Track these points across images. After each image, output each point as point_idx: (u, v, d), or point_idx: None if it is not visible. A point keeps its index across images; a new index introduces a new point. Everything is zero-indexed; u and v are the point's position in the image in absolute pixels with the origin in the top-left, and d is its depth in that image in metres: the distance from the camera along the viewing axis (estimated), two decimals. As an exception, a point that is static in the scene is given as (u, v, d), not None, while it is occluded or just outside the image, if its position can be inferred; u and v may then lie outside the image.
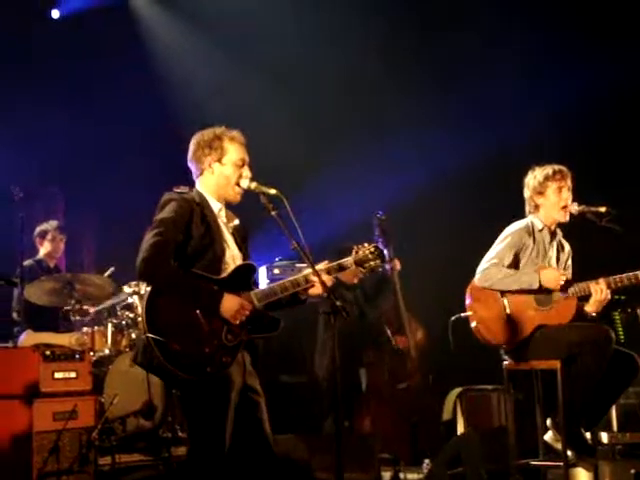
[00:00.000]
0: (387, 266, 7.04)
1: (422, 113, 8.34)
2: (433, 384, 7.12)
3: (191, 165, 4.24)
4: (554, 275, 5.19)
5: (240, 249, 4.20)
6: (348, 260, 4.21)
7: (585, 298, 5.21)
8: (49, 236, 7.35)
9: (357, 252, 4.24)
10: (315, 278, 4.07)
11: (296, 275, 4.16)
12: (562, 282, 5.18)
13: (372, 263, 4.24)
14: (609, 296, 5.13)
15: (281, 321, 4.09)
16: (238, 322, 3.92)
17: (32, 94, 8.23)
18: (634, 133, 8.00)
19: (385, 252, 7.02)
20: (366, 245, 4.27)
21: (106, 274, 6.79)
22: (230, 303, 3.91)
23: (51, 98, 8.27)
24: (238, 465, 3.97)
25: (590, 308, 5.19)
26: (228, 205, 4.26)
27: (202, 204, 4.10)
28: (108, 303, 6.80)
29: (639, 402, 6.75)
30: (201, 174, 4.20)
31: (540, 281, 5.17)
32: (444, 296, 6.79)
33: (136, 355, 3.99)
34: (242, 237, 4.26)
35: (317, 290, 4.13)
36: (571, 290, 5.21)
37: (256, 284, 4.21)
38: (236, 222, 4.26)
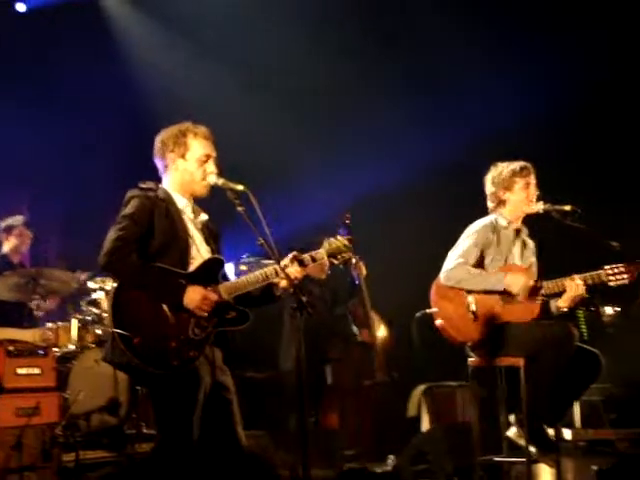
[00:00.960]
0: (354, 272, 7.05)
1: (392, 112, 8.38)
2: (398, 380, 7.15)
3: (156, 162, 4.25)
4: (521, 282, 5.20)
5: (209, 244, 4.19)
6: (320, 252, 4.22)
7: (554, 295, 5.26)
8: (16, 231, 7.28)
9: (330, 244, 4.25)
10: (286, 271, 4.06)
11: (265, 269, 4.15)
12: (528, 287, 5.20)
13: (345, 255, 4.25)
14: (584, 292, 5.18)
15: (250, 314, 4.08)
16: (203, 314, 3.91)
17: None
18: (599, 132, 8.09)
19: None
20: (339, 237, 4.27)
21: (81, 277, 6.72)
22: (193, 294, 3.91)
23: (16, 93, 8.17)
24: (207, 462, 3.97)
25: (563, 304, 5.21)
26: (197, 201, 4.25)
27: (167, 200, 4.10)
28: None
29: (602, 399, 6.83)
30: (166, 170, 4.21)
31: (505, 285, 5.21)
32: (410, 293, 6.82)
33: (105, 353, 3.98)
34: (212, 233, 4.26)
35: (285, 284, 4.13)
36: (544, 286, 5.24)
37: (225, 278, 4.19)
38: (204, 217, 4.25)
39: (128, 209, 4.03)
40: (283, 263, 4.11)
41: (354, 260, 4.34)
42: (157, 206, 4.05)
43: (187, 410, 3.86)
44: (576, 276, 5.16)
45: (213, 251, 4.19)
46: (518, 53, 8.20)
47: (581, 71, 7.86)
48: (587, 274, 5.17)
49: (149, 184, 4.16)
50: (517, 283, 5.19)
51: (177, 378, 3.86)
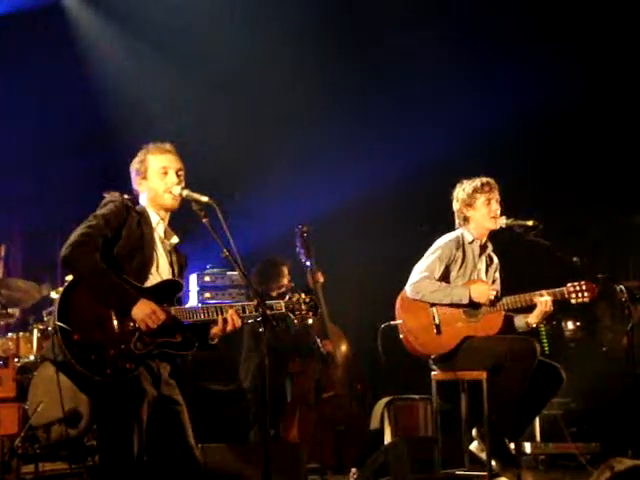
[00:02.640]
0: (309, 278, 7.06)
1: (354, 124, 8.40)
2: (361, 393, 7.15)
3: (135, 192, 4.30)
4: (484, 290, 5.27)
5: (172, 267, 4.19)
6: (279, 303, 4.20)
7: (520, 310, 5.31)
8: None
9: (291, 298, 4.23)
10: (230, 318, 4.05)
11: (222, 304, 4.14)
12: (492, 297, 5.26)
13: (304, 313, 4.22)
14: (552, 308, 5.23)
15: (195, 344, 4.05)
16: (147, 328, 3.88)
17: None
18: (561, 146, 8.18)
19: (308, 264, 7.06)
20: (302, 295, 4.25)
21: (43, 291, 6.64)
22: (143, 307, 3.88)
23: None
24: (161, 476, 3.95)
25: (534, 320, 5.29)
26: (170, 224, 4.26)
27: (142, 215, 4.12)
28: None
29: (562, 413, 6.88)
30: (140, 194, 4.25)
31: (470, 296, 5.24)
32: (374, 306, 6.84)
33: (46, 350, 3.96)
34: (179, 258, 4.25)
35: (222, 329, 4.08)
36: (508, 301, 5.28)
37: (180, 303, 4.17)
38: (174, 240, 4.25)
39: (102, 210, 4.04)
40: (245, 304, 4.10)
41: (310, 321, 4.32)
42: (131, 215, 4.07)
43: (127, 421, 3.83)
44: (544, 292, 5.22)
45: (174, 274, 4.19)
46: (487, 61, 8.26)
47: (558, 79, 7.94)
48: (552, 290, 5.22)
49: (112, 195, 4.18)
50: (481, 292, 5.24)
51: (117, 389, 3.84)
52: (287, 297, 4.23)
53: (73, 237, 3.92)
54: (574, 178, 8.12)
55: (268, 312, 4.04)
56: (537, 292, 5.24)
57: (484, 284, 5.33)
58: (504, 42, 8.22)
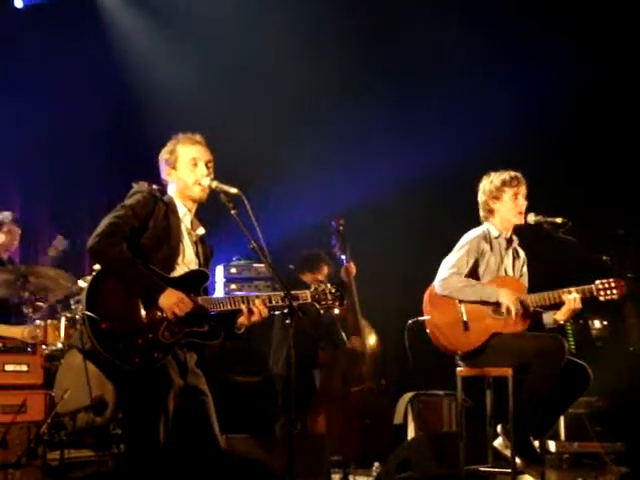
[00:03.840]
0: (342, 272, 7.07)
1: (388, 116, 8.39)
2: (386, 388, 7.15)
3: (164, 181, 4.31)
4: (511, 300, 5.18)
5: (198, 257, 4.21)
6: (305, 293, 4.20)
7: (546, 307, 5.28)
8: (5, 228, 7.23)
9: (317, 287, 4.24)
10: (256, 308, 4.06)
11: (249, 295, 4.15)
12: (514, 309, 5.17)
13: (330, 303, 4.23)
14: (580, 306, 5.19)
15: (222, 332, 4.08)
16: (175, 316, 3.91)
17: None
18: (591, 144, 8.12)
19: (342, 257, 7.06)
20: (328, 284, 4.27)
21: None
22: (170, 295, 3.91)
23: (9, 88, 8.15)
24: (186, 465, 3.97)
25: (561, 317, 5.25)
26: (197, 215, 4.28)
27: (169, 205, 4.15)
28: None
29: (587, 412, 6.85)
30: (168, 185, 4.27)
31: (498, 298, 5.21)
32: (402, 300, 6.83)
33: (74, 339, 4.00)
34: (205, 249, 4.28)
35: (248, 318, 4.09)
36: (535, 298, 5.24)
37: (206, 293, 4.20)
38: (201, 231, 4.27)
39: (130, 201, 4.07)
40: (258, 299, 4.10)
41: (337, 310, 4.33)
42: (158, 206, 4.09)
43: (154, 412, 3.85)
44: (572, 289, 5.18)
45: (200, 265, 4.21)
46: (511, 59, 8.21)
47: (574, 76, 7.87)
48: (581, 287, 5.19)
49: (141, 185, 4.22)
50: (508, 301, 5.18)
51: (144, 378, 3.86)
52: (313, 287, 4.24)
53: (100, 227, 3.95)
54: (599, 176, 8.05)
55: (294, 303, 4.05)
56: (565, 289, 5.21)
57: (513, 293, 5.25)
58: (526, 41, 8.19)
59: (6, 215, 7.32)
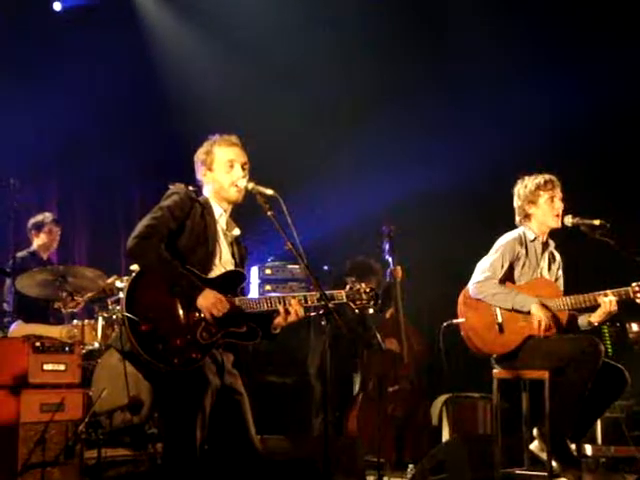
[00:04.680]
0: (388, 274, 7.10)
1: (427, 117, 8.37)
2: (421, 389, 7.13)
3: (199, 181, 4.34)
4: (543, 315, 5.14)
5: (234, 257, 4.24)
6: (340, 293, 4.18)
7: (583, 310, 5.24)
8: (45, 228, 7.31)
9: (352, 287, 4.22)
10: (292, 308, 4.07)
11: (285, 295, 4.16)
12: (544, 326, 5.12)
13: (364, 303, 4.21)
14: (616, 309, 5.15)
15: (259, 333, 4.10)
16: (213, 317, 3.93)
17: (30, 84, 8.21)
18: (628, 146, 8.04)
19: (390, 260, 7.08)
20: (363, 284, 4.24)
21: (109, 280, 6.73)
22: (208, 296, 3.94)
23: (48, 89, 8.24)
24: (221, 465, 3.99)
25: (596, 319, 5.21)
26: (232, 216, 4.31)
27: (205, 206, 4.18)
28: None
29: (624, 416, 6.78)
30: (204, 186, 4.29)
31: (530, 309, 5.18)
32: (437, 302, 6.81)
33: (113, 339, 4.04)
34: (240, 250, 4.30)
35: (285, 318, 4.10)
36: (571, 300, 5.21)
37: (243, 293, 4.23)
38: (236, 232, 4.29)
39: (167, 202, 4.10)
40: (308, 295, 4.12)
41: (371, 310, 4.31)
42: (195, 207, 4.12)
43: (191, 410, 3.87)
44: (609, 292, 5.14)
45: (236, 265, 4.24)
46: (559, 60, 8.17)
47: (624, 79, 7.82)
48: (617, 290, 5.14)
49: (178, 186, 4.23)
50: (539, 316, 5.13)
51: (182, 378, 3.89)
52: (348, 287, 4.22)
53: (138, 229, 3.99)
54: (637, 176, 7.98)
55: (330, 304, 4.05)
56: (601, 292, 5.17)
57: (546, 311, 5.16)
58: (565, 41, 8.15)
59: (47, 216, 7.41)
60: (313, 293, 4.12)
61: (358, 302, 4.21)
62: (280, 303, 4.09)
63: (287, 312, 4.09)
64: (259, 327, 4.11)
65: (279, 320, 4.13)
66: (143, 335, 3.85)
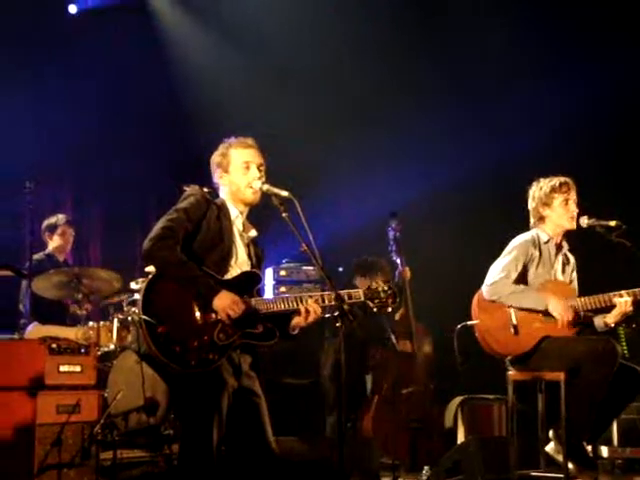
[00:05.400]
0: (397, 274, 7.06)
1: (437, 116, 8.36)
2: (435, 391, 7.12)
3: (215, 183, 4.35)
4: (562, 308, 5.15)
5: (250, 258, 4.24)
6: (358, 292, 4.18)
7: (599, 310, 5.22)
8: (59, 230, 7.34)
9: (369, 286, 4.21)
10: (311, 307, 4.07)
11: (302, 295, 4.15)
12: (565, 318, 5.14)
13: (383, 301, 4.19)
14: (632, 309, 5.14)
15: (277, 333, 4.10)
16: (229, 318, 3.94)
17: (45, 85, 8.25)
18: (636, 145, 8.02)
19: (398, 261, 7.05)
20: (380, 282, 4.24)
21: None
22: (224, 298, 3.95)
23: (63, 91, 8.28)
24: (238, 466, 4.00)
25: (612, 320, 5.20)
26: (249, 217, 4.32)
27: (221, 207, 4.19)
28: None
29: (640, 417, 6.76)
30: (220, 187, 4.31)
31: (547, 307, 5.17)
32: (451, 303, 6.80)
33: (131, 341, 4.05)
34: (256, 251, 4.31)
35: (304, 318, 4.10)
36: (586, 301, 5.20)
37: (260, 294, 4.23)
38: (253, 233, 4.31)
39: (184, 204, 4.12)
40: (325, 294, 4.11)
41: (390, 309, 4.29)
42: (211, 209, 4.14)
43: (208, 411, 3.88)
44: (624, 292, 5.12)
45: (253, 267, 4.24)
46: (566, 59, 8.14)
47: (622, 84, 7.79)
48: (632, 290, 5.13)
49: (193, 188, 4.25)
50: (559, 309, 5.14)
51: (199, 379, 3.90)
52: (367, 286, 4.21)
53: (155, 231, 4.00)
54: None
55: (347, 302, 4.04)
56: (617, 292, 5.15)
57: (563, 303, 5.18)
58: (572, 40, 8.13)
59: (60, 217, 7.43)
60: (330, 292, 4.11)
61: (377, 301, 4.20)
62: (298, 303, 4.09)
63: (307, 312, 4.08)
64: (277, 327, 4.11)
65: (298, 320, 4.13)
66: (160, 337, 3.87)
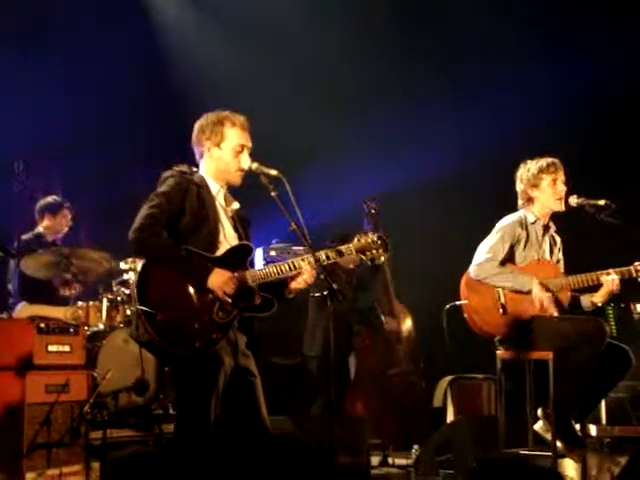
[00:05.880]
0: None
1: (425, 102, 8.35)
2: (424, 371, 7.14)
3: (194, 148, 4.29)
4: (543, 296, 5.14)
5: (237, 231, 4.22)
6: (349, 247, 4.16)
7: (587, 289, 5.23)
8: (63, 212, 7.25)
9: (359, 240, 4.19)
10: (306, 266, 4.05)
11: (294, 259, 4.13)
12: (544, 306, 5.14)
13: (374, 252, 4.18)
14: (619, 288, 5.15)
15: (275, 302, 4.09)
16: (226, 297, 3.94)
17: (35, 69, 8.19)
18: (633, 126, 8.02)
19: None
20: (369, 234, 4.22)
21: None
22: (218, 277, 3.94)
23: (53, 75, 8.22)
24: (232, 444, 4.00)
25: (599, 299, 5.23)
26: (229, 188, 4.28)
27: (200, 184, 4.15)
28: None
29: (628, 396, 6.78)
30: (202, 157, 4.25)
31: (531, 288, 5.18)
32: (439, 283, 6.81)
33: (131, 330, 4.04)
34: (242, 222, 4.28)
35: (302, 282, 4.10)
36: (574, 280, 5.21)
37: (252, 266, 4.21)
38: (235, 205, 4.28)
39: (163, 187, 4.08)
40: (317, 254, 4.08)
41: (383, 258, 4.25)
42: (191, 188, 4.10)
43: (206, 391, 3.88)
44: (611, 271, 5.14)
45: (241, 238, 4.21)
46: (555, 44, 8.13)
47: (625, 63, 7.78)
48: (624, 269, 5.14)
49: (182, 167, 4.21)
50: (539, 296, 5.14)
51: (198, 359, 3.89)
52: (355, 239, 4.18)
53: (138, 221, 3.96)
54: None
55: (338, 256, 4.06)
56: (604, 271, 5.17)
57: (543, 289, 5.16)
58: (566, 25, 8.13)
59: (61, 199, 7.34)
60: (320, 252, 4.08)
61: (368, 253, 4.18)
62: (292, 268, 4.07)
63: (302, 274, 4.07)
64: (273, 294, 4.10)
65: (295, 285, 4.11)
66: (160, 325, 3.85)
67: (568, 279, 5.24)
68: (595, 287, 5.24)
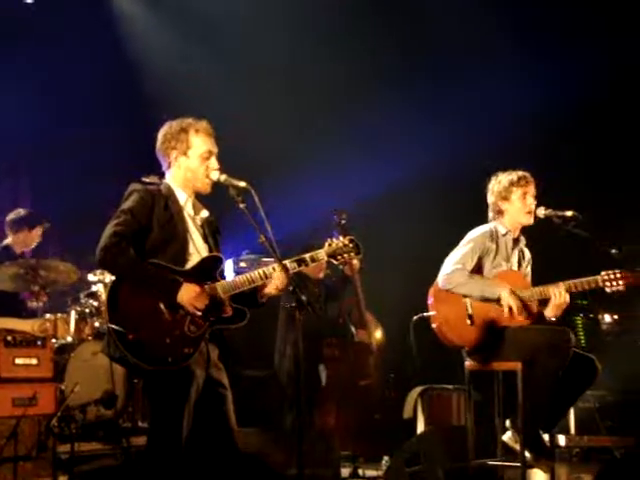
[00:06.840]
0: (346, 266, 7.00)
1: (395, 111, 8.37)
2: (394, 382, 7.15)
3: (159, 157, 4.25)
4: (511, 302, 5.14)
5: (207, 241, 4.19)
6: (320, 252, 4.17)
7: (545, 302, 5.26)
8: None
9: (330, 244, 4.20)
10: (277, 272, 4.05)
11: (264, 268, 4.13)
12: (510, 311, 5.15)
13: (346, 255, 4.19)
14: (568, 300, 5.17)
15: (247, 313, 4.07)
16: (196, 311, 3.92)
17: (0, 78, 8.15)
18: (600, 137, 8.09)
19: None
20: (341, 238, 4.23)
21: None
22: (187, 291, 3.91)
23: (20, 83, 8.17)
24: (200, 457, 3.98)
25: (549, 312, 5.23)
26: (198, 196, 4.26)
27: (168, 195, 4.11)
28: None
29: (597, 406, 6.84)
30: (169, 167, 4.21)
31: (500, 297, 5.19)
32: (407, 295, 6.82)
33: (103, 346, 4.00)
34: (211, 230, 4.25)
35: (274, 288, 4.10)
36: (529, 293, 5.24)
37: (223, 276, 4.18)
38: (204, 214, 4.24)
39: (128, 203, 4.03)
40: (288, 261, 4.09)
41: (355, 261, 4.26)
42: (157, 201, 4.05)
43: (178, 404, 3.86)
44: (561, 284, 5.16)
45: (211, 249, 4.18)
46: (543, 48, 8.19)
47: (588, 74, 7.85)
48: (570, 282, 5.16)
49: (152, 178, 4.18)
50: (508, 302, 5.14)
51: (170, 373, 3.87)
52: (326, 244, 4.18)
53: (104, 239, 3.92)
54: (611, 169, 8.02)
55: (310, 261, 4.10)
56: (553, 284, 5.18)
57: (516, 298, 5.16)
58: (551, 29, 8.18)
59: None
60: (291, 259, 4.10)
61: (339, 257, 4.19)
62: (262, 277, 4.06)
63: (273, 282, 4.07)
64: (245, 302, 4.09)
65: (268, 290, 4.12)
66: (132, 343, 3.83)
67: (535, 290, 5.25)
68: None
